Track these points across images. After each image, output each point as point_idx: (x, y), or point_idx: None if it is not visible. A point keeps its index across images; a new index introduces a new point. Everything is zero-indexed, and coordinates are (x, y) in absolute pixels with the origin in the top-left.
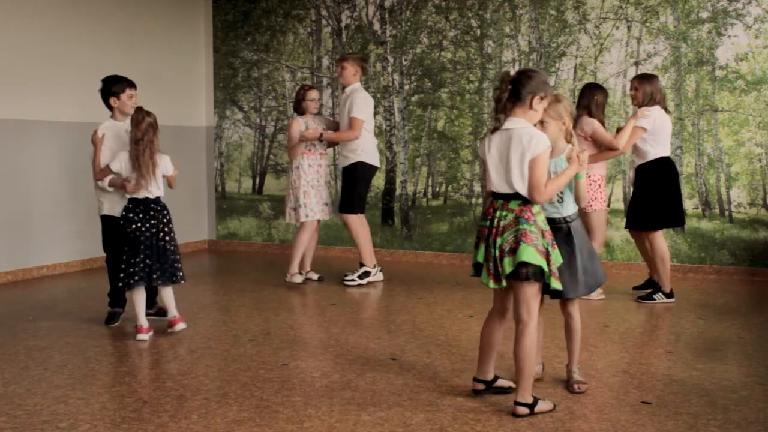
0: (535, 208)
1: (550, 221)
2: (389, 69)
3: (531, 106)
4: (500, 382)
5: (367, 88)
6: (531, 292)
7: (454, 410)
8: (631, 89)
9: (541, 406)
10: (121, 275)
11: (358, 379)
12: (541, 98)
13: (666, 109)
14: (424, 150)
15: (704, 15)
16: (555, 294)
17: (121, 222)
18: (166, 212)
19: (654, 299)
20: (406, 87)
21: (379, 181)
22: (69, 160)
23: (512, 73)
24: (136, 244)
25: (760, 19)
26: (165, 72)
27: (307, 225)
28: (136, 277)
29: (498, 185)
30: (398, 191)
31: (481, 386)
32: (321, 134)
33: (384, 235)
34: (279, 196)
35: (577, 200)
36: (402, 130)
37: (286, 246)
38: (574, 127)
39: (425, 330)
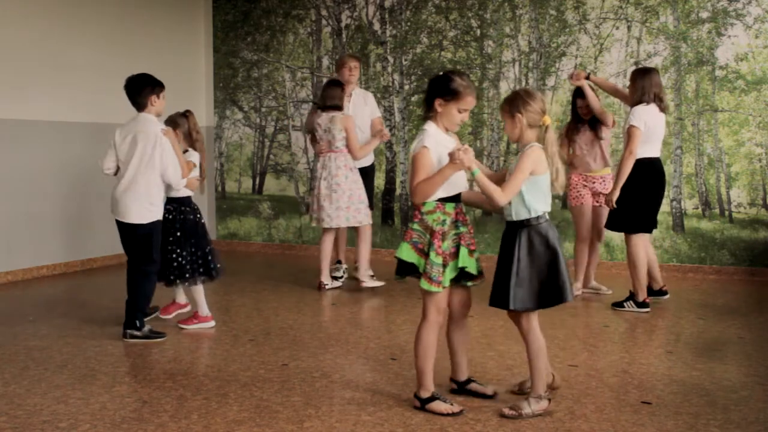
0: (426, 207)
1: (508, 224)
2: (389, 69)
3: (435, 110)
4: (473, 386)
5: (366, 88)
6: (423, 288)
7: None
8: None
9: (437, 405)
10: (190, 267)
11: (358, 379)
12: (446, 101)
13: (661, 106)
14: None
15: (704, 15)
16: (492, 302)
17: (190, 220)
18: None
19: (624, 306)
20: (406, 87)
21: (379, 181)
22: (69, 160)
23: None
24: (199, 237)
25: (760, 19)
26: (165, 72)
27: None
28: (201, 269)
29: None
30: (398, 191)
31: (454, 385)
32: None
33: (384, 235)
34: (279, 196)
35: (489, 200)
36: (402, 130)
37: (286, 246)
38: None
39: None
